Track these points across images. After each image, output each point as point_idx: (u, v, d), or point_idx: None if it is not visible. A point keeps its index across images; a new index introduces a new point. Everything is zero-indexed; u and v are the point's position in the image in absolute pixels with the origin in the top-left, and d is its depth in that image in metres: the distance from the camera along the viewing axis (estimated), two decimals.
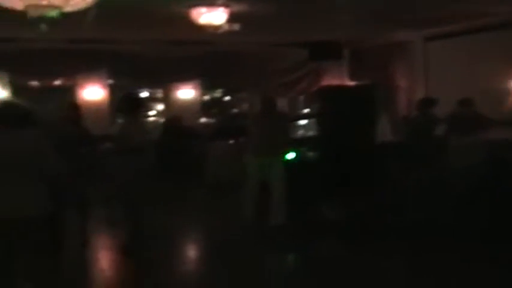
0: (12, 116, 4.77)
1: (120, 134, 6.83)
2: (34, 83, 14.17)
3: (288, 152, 9.00)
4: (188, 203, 10.27)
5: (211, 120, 15.88)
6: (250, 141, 8.17)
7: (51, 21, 5.09)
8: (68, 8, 5.40)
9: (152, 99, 16.48)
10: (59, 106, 8.13)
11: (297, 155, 9.58)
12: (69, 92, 13.95)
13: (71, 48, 12.75)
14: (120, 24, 10.16)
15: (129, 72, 14.09)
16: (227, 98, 16.75)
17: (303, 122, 15.21)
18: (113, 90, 13.96)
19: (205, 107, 15.69)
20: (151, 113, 16.50)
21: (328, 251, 7.19)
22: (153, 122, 16.00)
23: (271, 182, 7.99)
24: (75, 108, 7.74)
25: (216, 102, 16.48)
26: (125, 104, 7.13)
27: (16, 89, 13.19)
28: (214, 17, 8.10)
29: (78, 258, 6.97)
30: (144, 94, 16.26)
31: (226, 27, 8.69)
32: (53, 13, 5.23)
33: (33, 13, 5.27)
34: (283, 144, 8.35)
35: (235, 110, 16.22)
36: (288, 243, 7.56)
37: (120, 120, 6.93)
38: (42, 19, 5.00)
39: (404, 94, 12.82)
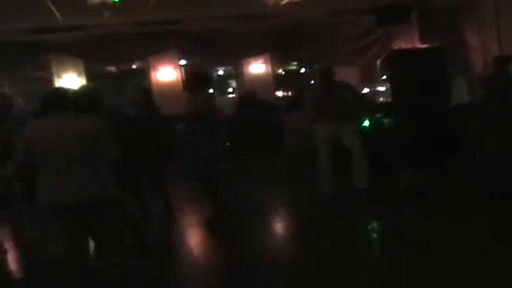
0: (86, 101, 4.97)
1: (192, 112, 6.87)
2: (108, 69, 14.55)
3: (363, 119, 8.96)
4: (268, 176, 10.32)
5: (286, 93, 15.88)
6: (319, 111, 8.15)
7: (112, 7, 5.20)
8: None
9: (225, 76, 16.63)
10: (132, 90, 8.31)
11: (372, 121, 9.52)
12: (142, 75, 14.28)
13: (140, 32, 13.03)
14: (184, 3, 10.27)
15: (199, 51, 14.27)
16: (299, 70, 16.68)
17: (379, 88, 15.11)
18: (185, 70, 14.22)
19: (278, 80, 15.68)
20: (225, 89, 16.66)
21: (407, 216, 7.13)
22: (228, 98, 16.15)
23: (350, 148, 8.05)
24: (146, 92, 7.96)
25: (288, 75, 16.44)
26: (191, 82, 7.16)
27: (90, 75, 13.62)
28: None
29: (164, 236, 7.18)
30: (217, 71, 16.49)
31: None
32: None
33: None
34: (355, 112, 8.32)
35: (304, 82, 16.13)
36: (370, 208, 7.53)
37: (191, 99, 6.94)
38: (103, 5, 5.11)
39: (478, 53, 12.49)
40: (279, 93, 15.78)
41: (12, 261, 6.68)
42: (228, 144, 7.21)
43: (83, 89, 6.45)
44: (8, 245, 6.97)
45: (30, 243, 7.09)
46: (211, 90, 16.55)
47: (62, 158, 4.26)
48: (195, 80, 7.15)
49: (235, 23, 13.47)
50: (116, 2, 5.86)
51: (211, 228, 6.97)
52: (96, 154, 4.38)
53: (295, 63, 16.35)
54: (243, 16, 12.80)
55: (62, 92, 4.75)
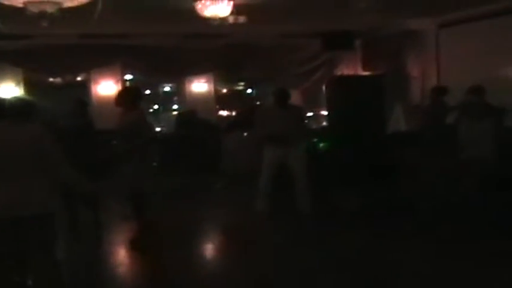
0: (20, 110, 4.83)
1: (125, 128, 6.80)
2: (46, 79, 14.26)
3: (305, 143, 9.03)
4: (202, 195, 10.27)
5: (226, 113, 15.85)
6: (266, 133, 8.21)
7: (51, 17, 5.12)
8: (68, 4, 5.40)
9: (170, 93, 16.51)
10: (68, 101, 8.19)
11: (313, 145, 9.61)
12: (83, 88, 14.06)
13: (83, 44, 12.83)
14: (130, 18, 10.21)
15: (143, 67, 14.16)
16: (242, 90, 16.69)
17: (323, 112, 15.21)
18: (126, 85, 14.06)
19: (220, 100, 15.66)
20: (170, 106, 16.54)
21: (347, 241, 7.17)
22: (173, 114, 16.03)
23: (293, 172, 8.11)
24: (80, 104, 7.87)
25: (230, 95, 16.42)
26: (123, 97, 7.04)
27: (28, 85, 13.33)
28: (219, 9, 8.11)
29: (91, 253, 7.03)
30: (163, 88, 16.37)
31: (233, 19, 8.76)
32: (52, 9, 5.23)
33: (32, 9, 5.29)
34: (300, 135, 8.41)
35: (250, 102, 16.15)
36: (310, 232, 7.60)
37: (124, 114, 6.85)
38: (42, 15, 5.03)
39: (417, 83, 12.73)
40: (222, 113, 15.72)
41: None
42: (157, 162, 7.15)
43: (16, 98, 6.32)
44: None
45: None
46: (156, 107, 16.61)
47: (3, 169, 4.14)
48: (127, 95, 7.08)
49: (181, 40, 13.42)
50: (54, 13, 5.74)
51: (135, 246, 6.87)
52: (37, 166, 4.25)
53: (241, 83, 16.36)
54: (188, 34, 12.79)
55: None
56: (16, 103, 5.01)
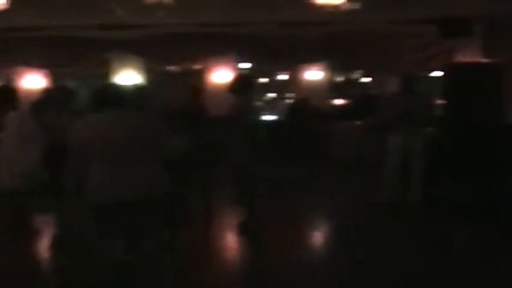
0: (136, 97, 5.02)
1: (234, 115, 6.94)
2: (164, 67, 14.75)
3: (427, 130, 8.87)
4: (311, 183, 10.26)
5: (339, 101, 15.75)
6: (388, 121, 8.15)
7: (167, 7, 5.26)
8: None
9: (284, 81, 16.62)
10: (183, 88, 8.41)
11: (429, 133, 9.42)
12: (198, 76, 14.42)
13: (200, 32, 13.10)
14: (246, 6, 10.33)
15: (257, 55, 14.32)
16: (356, 78, 16.53)
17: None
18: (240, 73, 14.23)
19: (333, 88, 15.57)
20: (283, 94, 16.65)
21: (453, 232, 7.00)
22: (286, 103, 16.14)
23: (413, 160, 8.09)
24: (195, 91, 8.05)
25: (344, 83, 16.30)
26: (235, 84, 7.17)
27: (148, 73, 13.85)
28: None
29: (199, 235, 7.22)
30: (276, 77, 16.49)
31: (346, 6, 8.67)
32: None
33: None
34: (427, 123, 8.31)
35: (364, 91, 15.97)
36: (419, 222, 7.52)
37: (235, 102, 6.98)
38: (159, 5, 5.17)
39: None
40: (334, 101, 15.63)
41: (41, 243, 6.83)
42: (268, 149, 7.21)
43: (134, 86, 6.59)
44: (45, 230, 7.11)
45: (67, 233, 7.18)
46: (270, 95, 16.77)
47: (115, 154, 4.26)
48: (239, 82, 7.20)
49: (295, 29, 13.42)
50: (169, 3, 6.00)
51: (244, 231, 7.01)
52: (151, 151, 4.41)
53: (355, 71, 16.19)
54: (303, 22, 12.74)
55: (115, 88, 4.77)
56: (133, 91, 5.23)
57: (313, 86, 14.73)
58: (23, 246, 6.60)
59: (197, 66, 14.75)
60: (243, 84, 7.16)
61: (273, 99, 16.20)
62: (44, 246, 6.71)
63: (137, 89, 6.23)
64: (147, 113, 4.61)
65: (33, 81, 13.85)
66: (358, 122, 12.18)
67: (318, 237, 7.49)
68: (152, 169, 4.42)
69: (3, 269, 5.76)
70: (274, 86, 16.33)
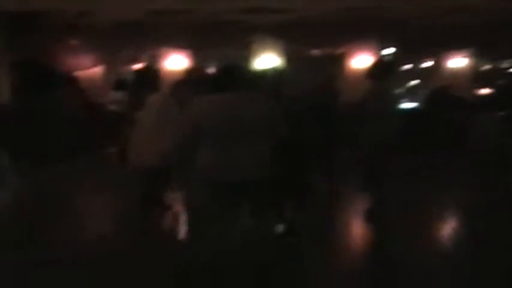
0: (267, 81, 5.11)
1: (369, 101, 6.89)
2: (305, 52, 14.83)
3: None
4: (444, 174, 9.99)
5: (482, 91, 15.13)
6: None
7: None
8: None
9: (425, 69, 16.23)
10: (320, 73, 8.41)
11: None
12: (338, 61, 14.37)
13: (343, 17, 12.98)
14: None
15: (401, 41, 14.03)
16: (503, 67, 15.80)
17: None
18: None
19: (477, 77, 14.97)
20: (418, 82, 16.28)
21: None
22: (425, 90, 15.77)
23: None
24: (329, 77, 8.05)
25: (489, 71, 15.63)
26: (376, 69, 7.07)
27: (288, 57, 13.98)
28: None
29: (323, 221, 7.21)
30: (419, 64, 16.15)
31: None
32: None
33: None
34: None
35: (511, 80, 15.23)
36: None
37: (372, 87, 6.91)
38: None
39: None
40: (478, 90, 15.03)
41: (182, 224, 7.14)
42: (399, 137, 7.06)
43: (272, 70, 6.71)
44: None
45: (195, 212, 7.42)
46: (413, 82, 16.42)
47: (233, 135, 4.34)
48: (378, 68, 7.12)
49: (442, 14, 13.01)
50: None
51: (370, 218, 6.99)
52: (265, 133, 4.47)
53: (496, 59, 15.49)
54: (449, 8, 12.32)
55: (242, 69, 4.84)
56: (269, 74, 5.31)
57: (457, 74, 14.28)
58: (156, 221, 6.98)
59: (338, 51, 14.70)
60: (382, 69, 7.07)
61: (413, 86, 15.83)
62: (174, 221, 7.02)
63: (273, 73, 6.32)
64: (268, 98, 4.62)
65: (176, 62, 14.33)
66: (501, 113, 11.63)
67: (446, 228, 7.30)
68: (263, 152, 4.48)
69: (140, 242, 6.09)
70: (414, 72, 15.96)
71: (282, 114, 4.57)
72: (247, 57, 13.87)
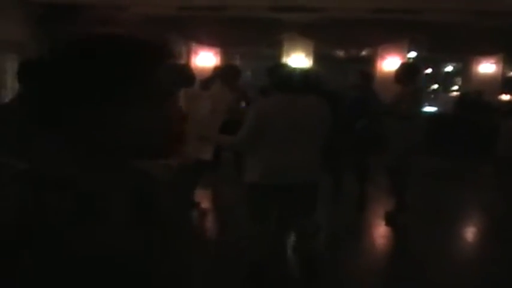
0: (306, 82, 5.15)
1: (396, 104, 6.92)
2: (334, 52, 14.85)
3: None
4: (469, 178, 9.99)
5: (510, 97, 15.03)
6: None
7: None
8: None
9: (452, 73, 16.18)
10: (353, 74, 8.40)
11: None
12: (368, 62, 14.36)
13: (374, 18, 12.98)
14: None
15: (431, 44, 13.95)
16: None
17: None
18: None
19: (507, 83, 14.86)
20: (450, 86, 16.21)
21: None
22: (451, 95, 15.73)
23: None
24: (365, 76, 8.04)
25: None
26: (401, 73, 7.09)
27: (318, 57, 14.01)
28: None
29: (351, 223, 7.29)
30: (444, 68, 16.08)
31: None
32: None
33: None
34: None
35: None
36: None
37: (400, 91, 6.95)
38: None
39: None
40: (506, 97, 14.92)
41: (209, 222, 7.23)
42: (426, 141, 7.10)
43: (303, 70, 6.77)
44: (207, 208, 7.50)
45: (226, 211, 7.48)
46: (435, 86, 16.34)
47: (285, 138, 4.32)
48: (404, 71, 7.14)
49: (471, 18, 12.90)
50: None
51: (390, 221, 7.04)
52: (315, 136, 4.48)
53: None
54: (481, 12, 12.19)
55: (291, 72, 4.75)
56: (302, 74, 5.37)
57: (485, 79, 14.20)
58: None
59: (366, 53, 14.70)
60: (408, 73, 7.08)
61: (440, 90, 15.77)
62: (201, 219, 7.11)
63: (305, 73, 6.37)
64: (316, 98, 4.57)
65: (205, 59, 14.40)
66: None
67: (470, 233, 7.32)
68: (311, 155, 4.46)
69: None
70: (442, 76, 15.90)
71: (330, 116, 4.54)
72: (276, 56, 13.90)
